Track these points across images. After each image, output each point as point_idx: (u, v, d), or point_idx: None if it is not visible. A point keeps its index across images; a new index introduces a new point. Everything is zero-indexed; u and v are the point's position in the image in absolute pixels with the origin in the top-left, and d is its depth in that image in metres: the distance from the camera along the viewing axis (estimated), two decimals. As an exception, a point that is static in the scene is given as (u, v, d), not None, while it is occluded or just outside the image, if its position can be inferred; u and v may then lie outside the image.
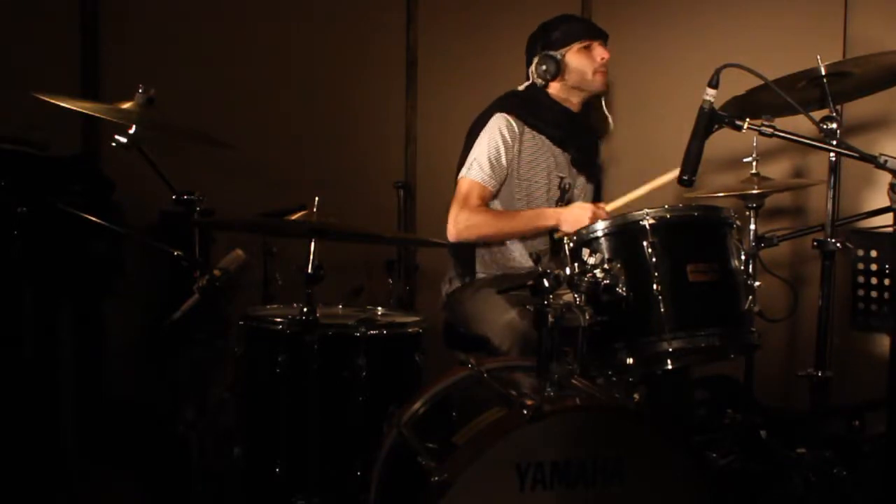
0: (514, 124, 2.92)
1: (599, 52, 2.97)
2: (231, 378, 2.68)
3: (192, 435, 2.46)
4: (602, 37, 3.00)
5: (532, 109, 2.97)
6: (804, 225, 3.14)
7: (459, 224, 2.86)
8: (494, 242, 2.96)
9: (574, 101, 3.03)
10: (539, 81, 2.97)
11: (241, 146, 2.83)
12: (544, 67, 2.94)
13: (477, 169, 2.88)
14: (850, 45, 3.30)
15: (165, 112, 2.41)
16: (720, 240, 2.30)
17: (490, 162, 2.87)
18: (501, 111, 2.95)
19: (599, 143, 3.19)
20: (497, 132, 2.90)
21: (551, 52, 2.94)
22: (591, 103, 3.10)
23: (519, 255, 2.97)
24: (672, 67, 3.63)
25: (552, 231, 2.90)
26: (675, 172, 2.69)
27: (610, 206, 2.85)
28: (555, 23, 3.04)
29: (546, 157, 2.98)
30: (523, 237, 2.95)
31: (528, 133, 2.95)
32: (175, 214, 2.56)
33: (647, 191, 2.83)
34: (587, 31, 2.99)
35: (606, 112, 3.13)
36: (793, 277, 3.25)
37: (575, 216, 2.79)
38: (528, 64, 3.03)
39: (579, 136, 3.07)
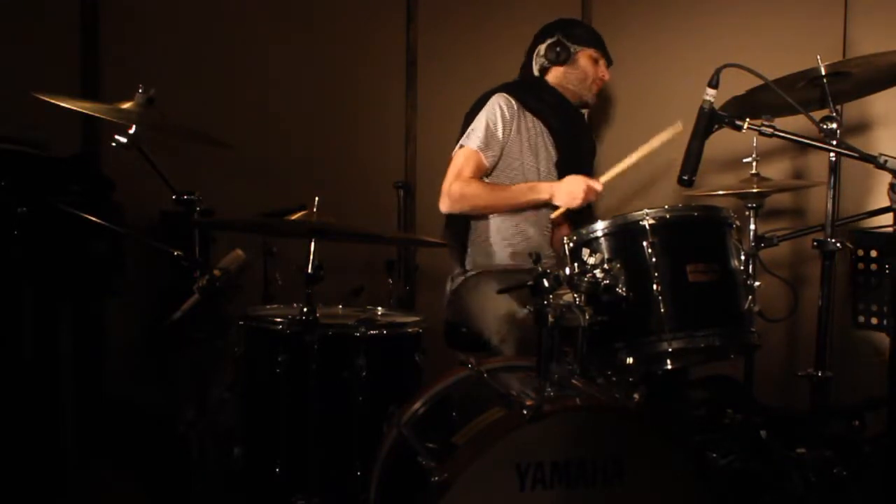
0: (514, 104, 2.96)
1: (603, 70, 3.08)
2: (231, 378, 2.68)
3: (192, 435, 2.46)
4: (610, 62, 3.11)
5: (534, 93, 3.01)
6: (804, 225, 3.13)
7: (453, 194, 2.87)
8: (508, 236, 2.96)
9: (570, 98, 3.06)
10: (542, 62, 3.01)
11: (242, 146, 2.82)
12: (558, 49, 2.99)
13: (473, 138, 2.90)
14: (850, 45, 3.30)
15: (165, 112, 2.41)
16: (720, 240, 2.30)
17: (487, 133, 2.89)
18: (501, 91, 2.98)
19: (593, 164, 3.19)
20: (496, 107, 2.93)
21: (567, 42, 2.98)
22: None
23: (524, 247, 2.96)
24: (672, 67, 3.63)
25: (549, 208, 2.92)
26: (666, 134, 2.75)
27: (603, 179, 2.86)
28: (577, 22, 3.17)
29: (544, 146, 2.99)
30: (517, 210, 2.95)
31: (529, 117, 2.98)
32: (175, 214, 2.56)
33: (637, 158, 2.86)
34: (603, 48, 3.08)
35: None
36: (793, 277, 3.25)
37: (569, 189, 2.81)
38: (536, 44, 3.05)
39: (576, 135, 3.07)
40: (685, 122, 2.18)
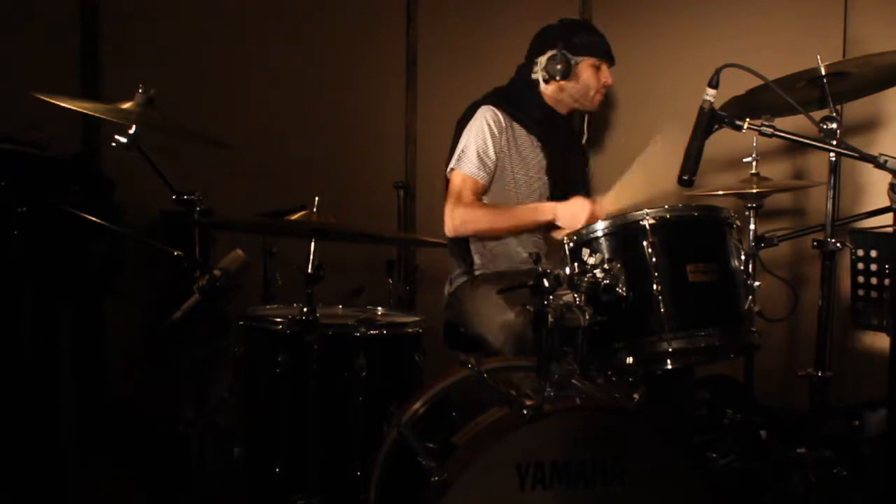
0: (501, 117, 2.94)
1: (605, 76, 3.03)
2: (231, 378, 2.68)
3: (192, 435, 2.46)
4: (613, 63, 3.06)
5: (519, 104, 2.99)
6: (804, 225, 3.13)
7: (456, 220, 2.87)
8: (490, 238, 2.96)
9: (561, 109, 3.05)
10: (543, 75, 2.98)
11: (242, 146, 2.83)
12: (558, 66, 2.94)
13: (466, 162, 2.89)
14: (850, 45, 3.30)
15: (165, 112, 2.41)
16: (720, 240, 2.30)
17: (478, 154, 2.88)
18: (487, 103, 2.97)
19: (588, 170, 3.17)
20: (484, 123, 2.91)
21: (568, 54, 2.95)
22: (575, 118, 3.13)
23: (515, 253, 2.97)
24: (672, 67, 3.63)
25: (549, 227, 2.91)
26: (657, 144, 2.73)
27: (607, 201, 2.84)
28: (578, 27, 3.08)
29: (536, 155, 2.99)
30: (519, 233, 2.95)
31: (517, 127, 2.97)
32: (175, 214, 2.56)
33: (642, 178, 2.83)
34: (605, 52, 3.02)
35: (585, 128, 3.16)
36: (793, 277, 3.25)
37: (572, 213, 2.80)
38: (535, 54, 3.01)
39: (564, 143, 3.06)
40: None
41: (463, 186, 2.88)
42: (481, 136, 2.89)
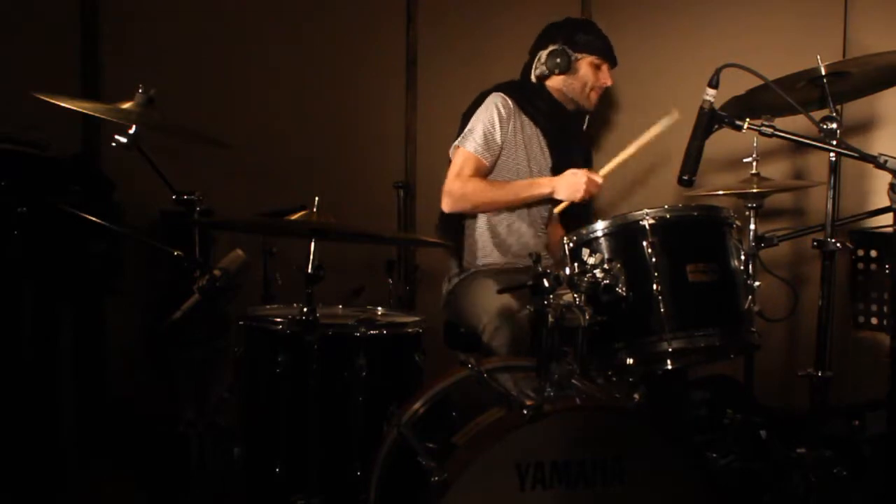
0: (511, 103, 2.96)
1: (605, 76, 3.05)
2: (231, 378, 2.68)
3: (192, 435, 2.46)
4: (614, 64, 3.08)
5: (528, 96, 3.01)
6: (804, 225, 3.14)
7: (454, 193, 2.88)
8: (500, 235, 2.98)
9: (569, 106, 3.06)
10: (543, 70, 3.00)
11: (242, 146, 2.82)
12: (558, 60, 2.97)
13: (471, 140, 2.91)
14: (850, 45, 3.31)
15: (165, 112, 2.41)
16: (720, 240, 2.30)
17: (485, 135, 2.90)
18: (498, 91, 2.99)
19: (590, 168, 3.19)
20: (493, 107, 2.94)
21: (569, 50, 2.96)
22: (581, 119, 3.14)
23: (516, 246, 2.97)
24: (672, 67, 3.63)
25: (551, 201, 2.94)
26: (661, 124, 2.76)
27: (603, 171, 2.87)
28: (582, 25, 3.12)
29: (541, 148, 3.00)
30: (512, 208, 2.97)
31: (525, 119, 2.99)
32: (175, 214, 2.56)
33: (635, 148, 2.87)
34: (606, 53, 3.05)
35: (584, 128, 3.17)
36: (793, 277, 3.25)
37: (570, 183, 2.82)
38: (538, 49, 3.04)
39: (568, 139, 3.07)
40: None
41: (465, 163, 2.89)
42: (490, 119, 2.91)
